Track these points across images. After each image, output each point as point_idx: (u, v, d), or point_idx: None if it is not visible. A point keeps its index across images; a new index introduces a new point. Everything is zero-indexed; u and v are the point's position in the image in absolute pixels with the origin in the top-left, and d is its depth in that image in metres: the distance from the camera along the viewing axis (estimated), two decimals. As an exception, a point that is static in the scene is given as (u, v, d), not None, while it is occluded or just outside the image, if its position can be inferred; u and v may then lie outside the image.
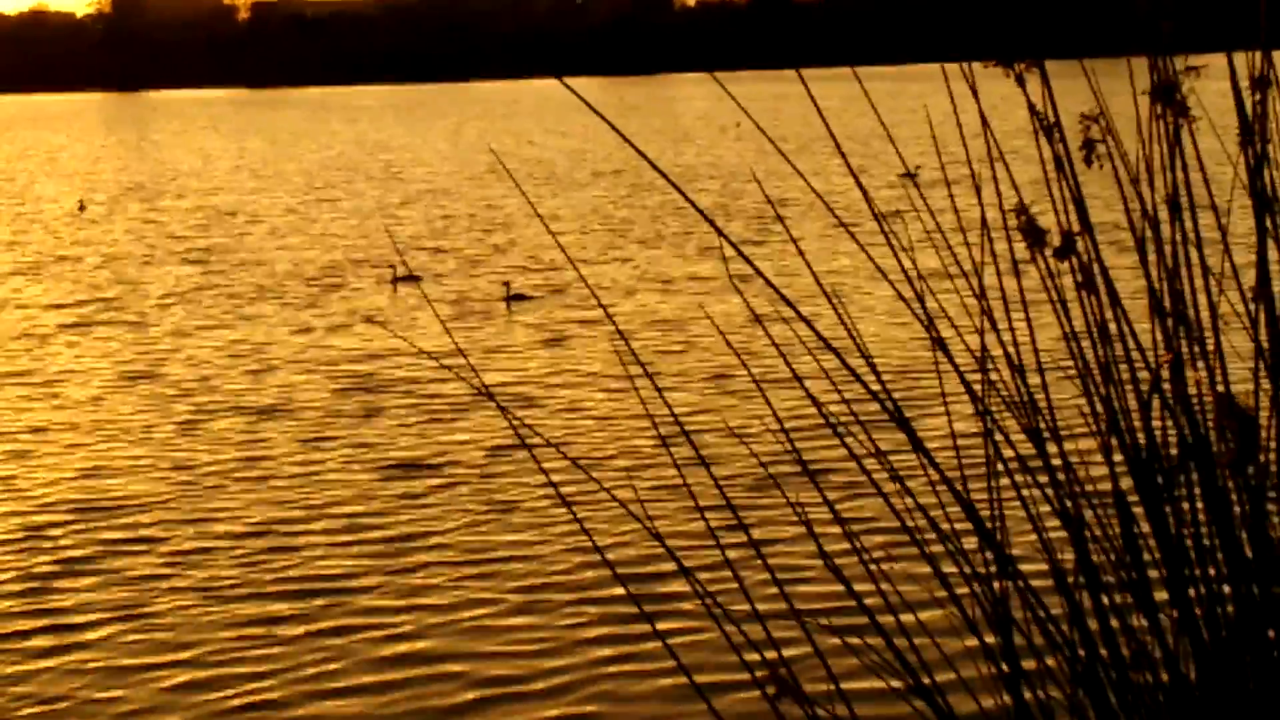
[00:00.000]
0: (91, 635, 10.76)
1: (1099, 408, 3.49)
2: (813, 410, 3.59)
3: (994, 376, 3.53)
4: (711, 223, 3.01)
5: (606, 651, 10.12)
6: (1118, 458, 3.48)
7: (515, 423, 13.05)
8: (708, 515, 4.12)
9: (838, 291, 23.65)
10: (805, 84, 3.74)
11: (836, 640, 3.57)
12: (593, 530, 12.29)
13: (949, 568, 3.48)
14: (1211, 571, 3.41)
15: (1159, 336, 3.50)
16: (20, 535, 13.02)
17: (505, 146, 66.15)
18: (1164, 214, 3.55)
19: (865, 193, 3.58)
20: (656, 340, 20.69)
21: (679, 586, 10.77)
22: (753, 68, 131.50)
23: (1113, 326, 3.52)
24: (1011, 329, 3.55)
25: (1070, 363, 3.52)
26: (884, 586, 3.55)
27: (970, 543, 3.45)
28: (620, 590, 10.96)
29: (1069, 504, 3.48)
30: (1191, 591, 3.42)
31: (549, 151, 62.07)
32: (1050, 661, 3.45)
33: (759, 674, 3.24)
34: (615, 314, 22.71)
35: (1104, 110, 3.49)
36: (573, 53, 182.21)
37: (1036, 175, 3.51)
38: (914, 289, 3.55)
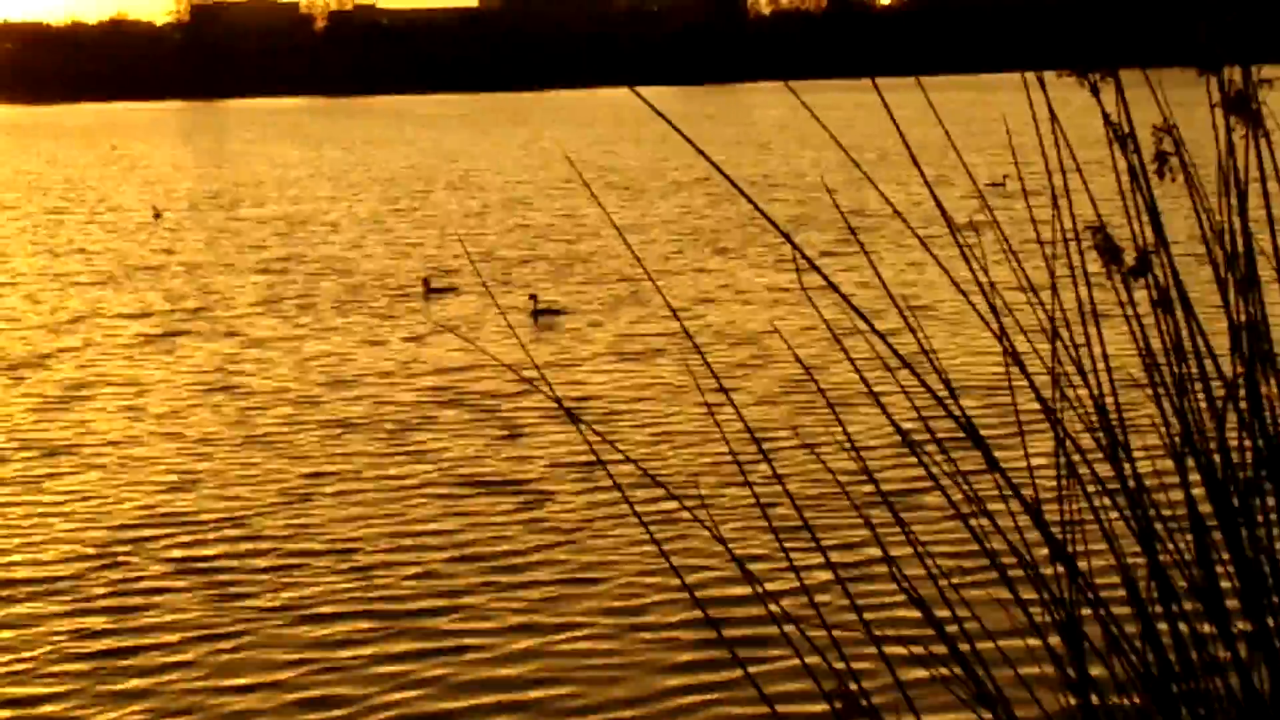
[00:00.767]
0: (177, 652, 10.78)
1: (1173, 422, 3.45)
2: (884, 422, 3.54)
3: (1068, 392, 3.49)
4: (784, 233, 2.96)
5: (684, 656, 10.05)
6: (1193, 476, 3.44)
7: (593, 440, 13.03)
8: (775, 524, 4.04)
9: (915, 304, 23.51)
10: (879, 92, 3.68)
11: (903, 649, 3.51)
12: (661, 540, 12.21)
13: (1017, 574, 3.43)
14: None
15: (1234, 352, 3.46)
16: (105, 549, 13.08)
17: (583, 155, 66.25)
18: (1238, 226, 3.50)
19: (939, 204, 3.53)
20: (732, 353, 20.62)
21: (745, 593, 10.67)
22: (830, 76, 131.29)
23: (1188, 342, 3.47)
24: (1088, 344, 3.50)
25: (1145, 377, 3.49)
26: (951, 597, 3.50)
27: (1040, 553, 3.41)
28: (694, 607, 10.89)
29: (1139, 514, 3.44)
30: (1265, 602, 3.38)
31: (628, 160, 62.12)
32: (1120, 671, 3.41)
33: (827, 685, 3.21)
34: (692, 326, 22.66)
35: (1174, 122, 3.43)
36: (647, 61, 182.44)
37: (1116, 187, 3.46)
38: (988, 303, 3.50)
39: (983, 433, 3.40)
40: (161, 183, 58.95)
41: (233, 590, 11.96)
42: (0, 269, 32.78)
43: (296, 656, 10.63)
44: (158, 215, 43.83)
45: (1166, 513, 3.49)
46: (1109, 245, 3.42)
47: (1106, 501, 3.50)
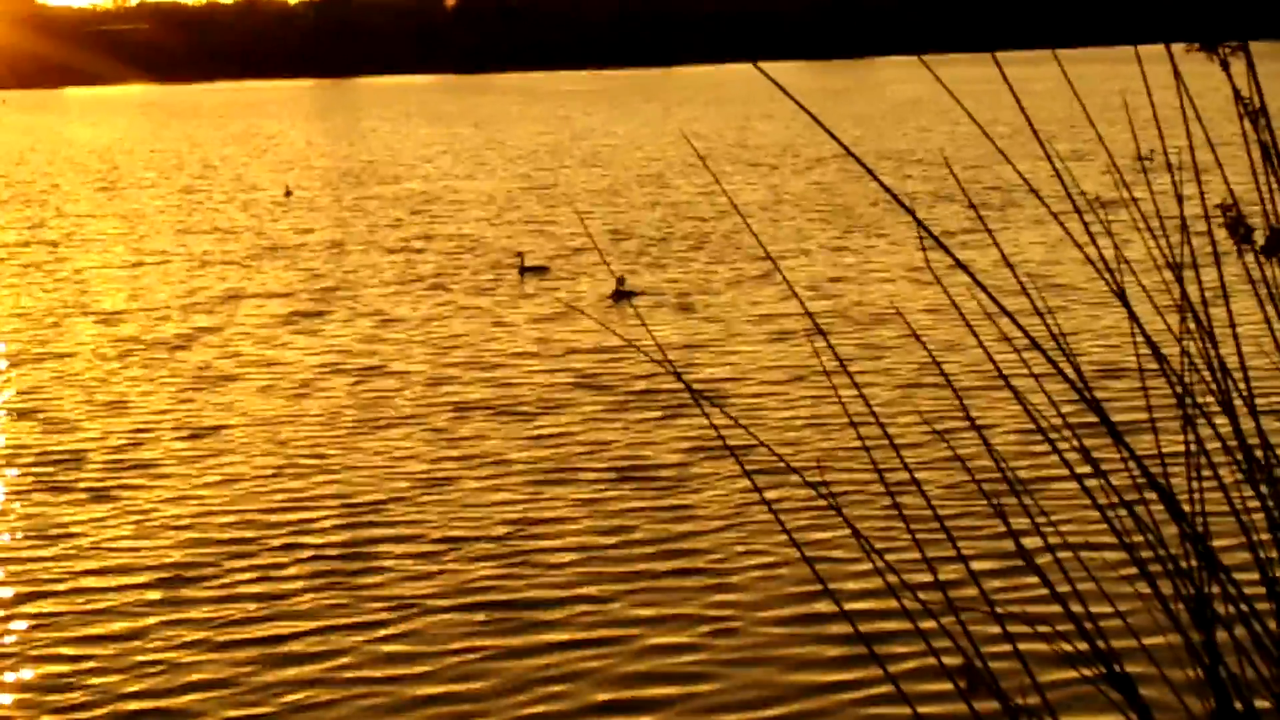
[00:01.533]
0: (322, 641, 10.80)
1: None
2: (1010, 399, 3.43)
3: (1199, 367, 3.37)
4: (908, 209, 2.85)
5: (802, 650, 9.93)
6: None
7: (725, 422, 12.93)
8: (900, 503, 3.93)
9: (1056, 283, 23.18)
10: (1000, 68, 3.56)
11: (1028, 628, 3.41)
12: (792, 529, 12.08)
13: (1146, 554, 3.32)
14: None
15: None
16: (247, 533, 13.16)
17: (714, 132, 66.04)
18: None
19: (1063, 181, 3.41)
20: (863, 335, 20.41)
21: (866, 567, 10.51)
22: (960, 50, 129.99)
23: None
24: (1211, 325, 3.38)
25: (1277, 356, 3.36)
26: (1075, 575, 3.41)
27: (1169, 531, 3.29)
28: (827, 598, 10.76)
29: (1272, 499, 3.31)
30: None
31: (760, 137, 61.82)
32: (1254, 655, 3.29)
33: (949, 663, 3.11)
34: (826, 305, 22.49)
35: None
36: (775, 36, 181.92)
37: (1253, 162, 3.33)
38: (1117, 280, 3.38)
39: (1104, 403, 3.28)
40: (295, 161, 59.48)
41: (376, 578, 11.97)
42: (141, 248, 33.22)
43: (445, 648, 10.60)
44: (289, 194, 44.37)
45: None
46: (1238, 222, 3.32)
47: (1246, 491, 3.39)
